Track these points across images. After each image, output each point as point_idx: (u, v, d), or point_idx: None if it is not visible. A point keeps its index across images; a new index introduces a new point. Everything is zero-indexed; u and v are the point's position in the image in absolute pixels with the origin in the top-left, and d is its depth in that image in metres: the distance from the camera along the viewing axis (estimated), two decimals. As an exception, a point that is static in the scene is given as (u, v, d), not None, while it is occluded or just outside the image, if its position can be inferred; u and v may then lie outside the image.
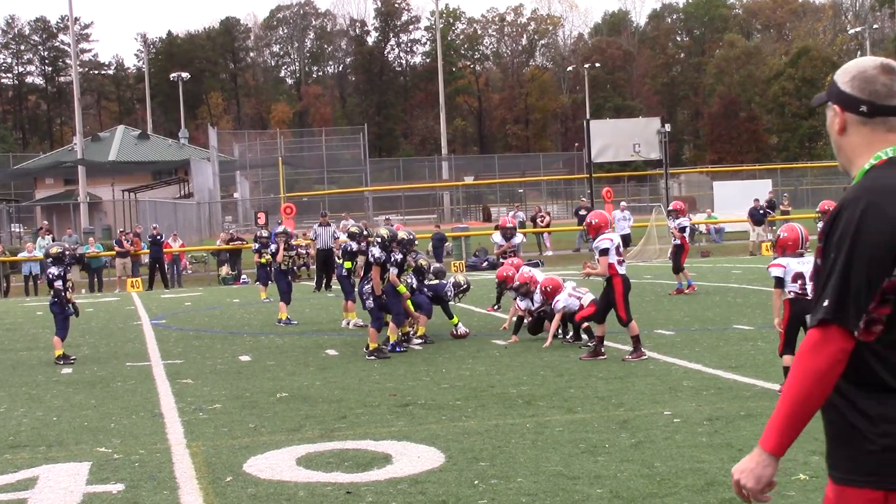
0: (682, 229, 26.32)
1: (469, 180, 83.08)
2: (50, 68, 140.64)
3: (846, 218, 3.40)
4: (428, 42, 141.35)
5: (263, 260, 26.76)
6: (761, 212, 43.18)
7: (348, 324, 21.52)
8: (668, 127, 45.16)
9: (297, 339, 19.83)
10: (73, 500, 8.61)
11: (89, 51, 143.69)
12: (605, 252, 15.05)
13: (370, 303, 17.04)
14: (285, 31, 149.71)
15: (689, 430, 10.06)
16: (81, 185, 67.24)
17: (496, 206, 76.47)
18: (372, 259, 16.97)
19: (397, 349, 17.13)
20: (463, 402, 12.23)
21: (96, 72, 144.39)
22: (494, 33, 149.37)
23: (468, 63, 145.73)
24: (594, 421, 10.79)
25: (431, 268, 19.07)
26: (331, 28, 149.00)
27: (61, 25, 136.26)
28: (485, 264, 40.13)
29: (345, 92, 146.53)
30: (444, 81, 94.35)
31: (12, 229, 63.92)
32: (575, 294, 17.37)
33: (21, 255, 41.25)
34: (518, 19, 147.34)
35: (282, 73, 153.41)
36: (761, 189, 51.09)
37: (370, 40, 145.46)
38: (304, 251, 36.30)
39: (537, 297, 17.87)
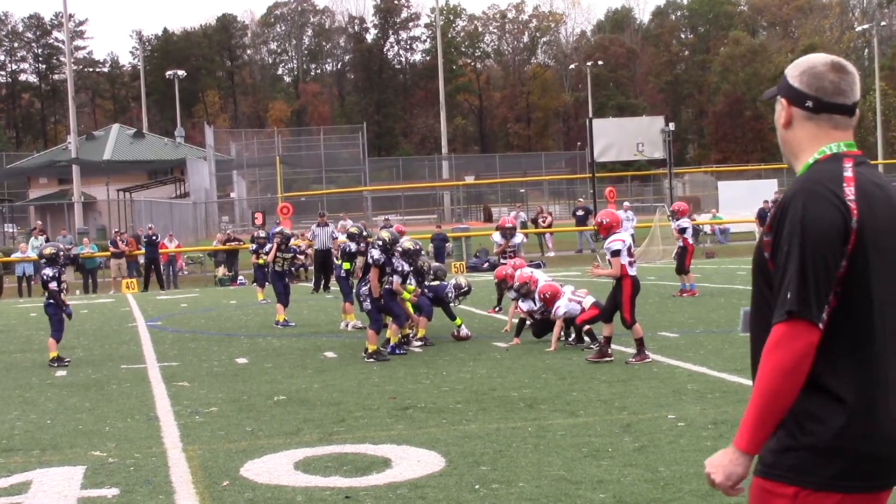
0: (682, 230, 26.31)
1: (470, 180, 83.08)
2: (44, 66, 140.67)
3: (793, 212, 3.47)
4: (428, 39, 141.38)
5: (261, 261, 26.75)
6: (767, 212, 43.14)
7: (347, 326, 21.53)
8: (672, 126, 45.21)
9: (294, 342, 19.83)
10: (68, 504, 8.61)
11: (84, 48, 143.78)
12: (616, 253, 15.00)
13: (367, 305, 17.05)
14: (283, 28, 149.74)
15: (694, 434, 10.06)
16: (76, 184, 67.23)
17: (497, 207, 76.43)
18: (371, 261, 16.97)
19: (397, 351, 17.13)
20: (464, 406, 12.23)
21: (91, 69, 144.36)
22: (495, 30, 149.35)
23: (469, 61, 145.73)
24: (597, 425, 10.79)
25: (432, 269, 19.05)
26: (329, 25, 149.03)
27: (55, 22, 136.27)
28: (486, 265, 40.13)
29: (343, 90, 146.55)
30: (444, 79, 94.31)
31: (5, 229, 63.97)
32: (575, 298, 17.35)
33: (14, 256, 41.24)
34: (519, 16, 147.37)
35: (279, 71, 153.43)
36: (767, 189, 51.06)
37: (369, 37, 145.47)
38: (301, 253, 36.25)
39: (538, 297, 17.85)
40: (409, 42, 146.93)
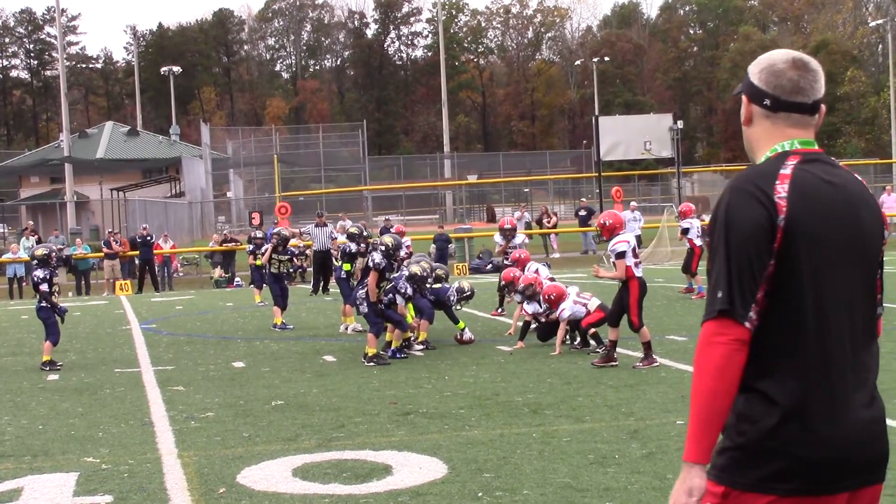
0: (685, 231, 26.34)
1: (472, 179, 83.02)
2: (35, 62, 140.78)
3: (720, 210, 3.55)
4: (430, 35, 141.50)
5: (258, 262, 26.75)
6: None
7: (346, 329, 21.52)
8: (680, 123, 45.13)
9: (293, 345, 19.83)
10: (60, 512, 8.61)
11: (76, 44, 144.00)
12: (622, 255, 14.97)
13: (364, 308, 17.06)
14: (281, 23, 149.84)
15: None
16: (68, 183, 67.28)
17: (501, 207, 76.45)
18: (371, 265, 16.97)
19: (398, 355, 17.13)
20: (466, 411, 12.23)
21: (84, 65, 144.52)
22: (499, 26, 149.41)
23: (472, 57, 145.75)
24: (604, 431, 10.78)
25: (433, 270, 19.03)
26: (328, 20, 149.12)
27: (47, 17, 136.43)
28: (489, 267, 40.10)
29: (343, 87, 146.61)
30: (446, 76, 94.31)
31: (-4, 230, 64.00)
32: (580, 300, 17.32)
33: (5, 257, 41.23)
34: (524, 11, 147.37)
35: (277, 67, 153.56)
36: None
37: (369, 33, 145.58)
38: (300, 254, 36.24)
39: (544, 300, 17.83)
40: (410, 37, 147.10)
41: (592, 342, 16.94)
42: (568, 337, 17.39)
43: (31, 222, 54.44)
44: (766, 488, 3.43)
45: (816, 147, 3.63)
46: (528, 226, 50.63)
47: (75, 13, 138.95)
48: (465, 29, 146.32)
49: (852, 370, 3.48)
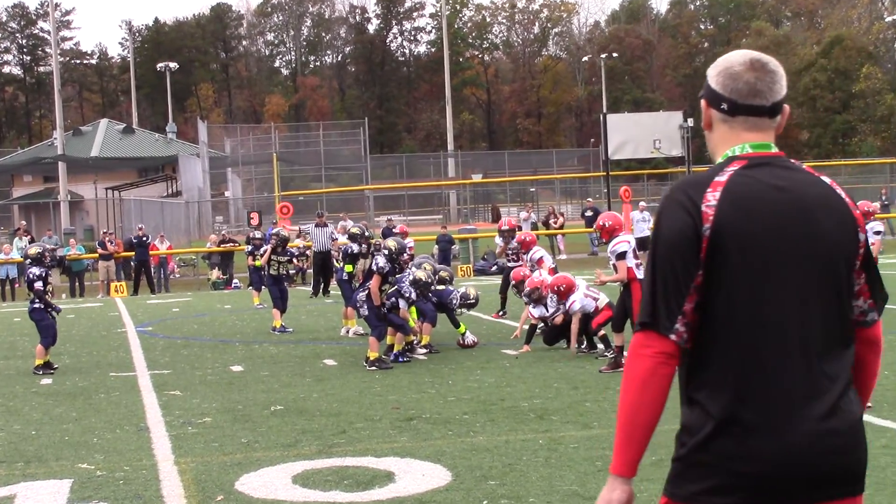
0: None
1: (477, 178, 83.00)
2: (28, 57, 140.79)
3: (657, 217, 3.57)
4: (433, 30, 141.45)
5: (257, 263, 26.75)
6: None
7: (348, 332, 21.53)
8: (690, 121, 45.06)
9: (292, 348, 19.84)
10: (53, 520, 8.62)
11: (70, 39, 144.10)
12: (622, 256, 14.95)
13: (364, 311, 17.07)
14: (280, 18, 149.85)
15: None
16: (62, 182, 67.32)
17: (506, 206, 76.35)
18: (375, 269, 17.00)
19: (400, 359, 17.15)
20: (471, 417, 12.23)
21: (78, 61, 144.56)
22: (504, 21, 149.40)
23: (476, 53, 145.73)
24: (612, 437, 10.73)
25: (437, 272, 19.03)
26: (329, 15, 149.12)
27: (41, 12, 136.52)
28: (493, 268, 40.10)
29: (344, 83, 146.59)
30: (450, 72, 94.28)
31: (-12, 230, 64.05)
32: (591, 293, 17.28)
33: (-3, 258, 41.27)
34: (530, 6, 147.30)
35: (276, 64, 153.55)
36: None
37: (371, 28, 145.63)
38: (300, 255, 36.23)
39: (550, 302, 17.82)
40: (413, 33, 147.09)
41: (600, 345, 16.93)
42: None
43: (24, 222, 54.42)
44: (703, 502, 3.44)
45: (773, 150, 3.59)
46: (534, 226, 50.58)
47: (69, 8, 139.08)
48: (469, 24, 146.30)
49: (804, 380, 3.41)
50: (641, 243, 26.74)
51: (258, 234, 28.25)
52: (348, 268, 21.07)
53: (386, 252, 17.23)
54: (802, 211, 3.47)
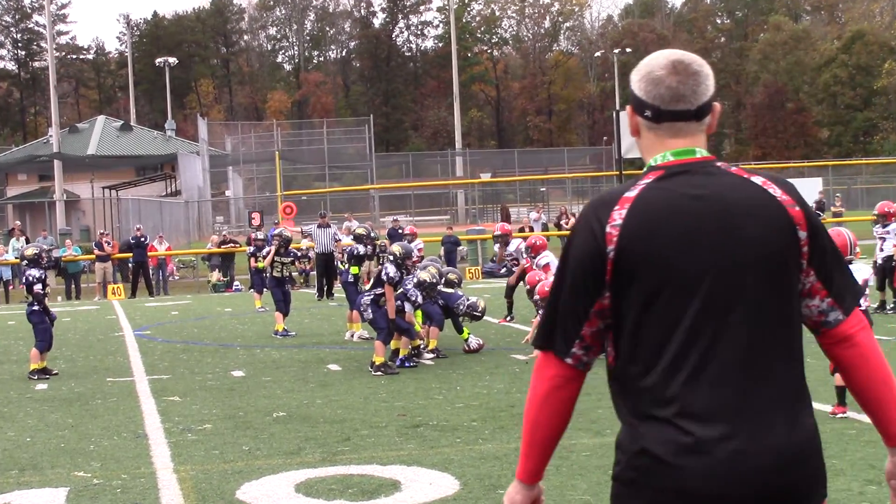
0: None
1: (486, 177, 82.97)
2: (23, 52, 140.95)
3: (567, 238, 3.60)
4: (441, 25, 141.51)
5: (259, 265, 26.75)
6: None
7: (352, 336, 21.52)
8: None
9: (295, 353, 19.85)
10: (49, 529, 8.63)
11: (67, 33, 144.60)
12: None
13: (369, 314, 17.06)
14: (283, 11, 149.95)
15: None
16: (57, 181, 67.34)
17: (516, 206, 76.31)
18: (386, 278, 17.00)
19: (407, 364, 17.15)
20: (479, 424, 12.23)
21: (74, 56, 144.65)
22: (514, 15, 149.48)
23: (485, 48, 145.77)
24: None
25: (444, 275, 19.00)
26: (333, 9, 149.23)
27: (36, 5, 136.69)
28: (503, 270, 40.07)
29: (348, 79, 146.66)
30: (458, 68, 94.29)
31: (-19, 230, 64.09)
32: None
33: (-8, 259, 41.31)
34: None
35: (279, 59, 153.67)
36: (811, 188, 50.89)
37: (377, 22, 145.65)
38: (303, 257, 36.21)
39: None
40: (419, 27, 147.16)
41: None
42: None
43: (18, 222, 54.57)
44: None
45: (699, 155, 3.54)
46: (545, 227, 50.60)
47: (65, 1, 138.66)
48: (478, 18, 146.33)
49: (732, 395, 3.34)
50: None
51: (260, 235, 28.23)
52: (354, 270, 21.07)
53: (391, 258, 17.24)
54: (722, 218, 3.41)
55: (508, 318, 23.32)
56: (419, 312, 18.18)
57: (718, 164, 3.53)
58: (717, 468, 3.30)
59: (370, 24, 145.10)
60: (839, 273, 3.57)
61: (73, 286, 40.90)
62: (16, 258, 35.82)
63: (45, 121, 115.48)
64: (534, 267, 20.40)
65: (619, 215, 3.43)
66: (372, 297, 17.02)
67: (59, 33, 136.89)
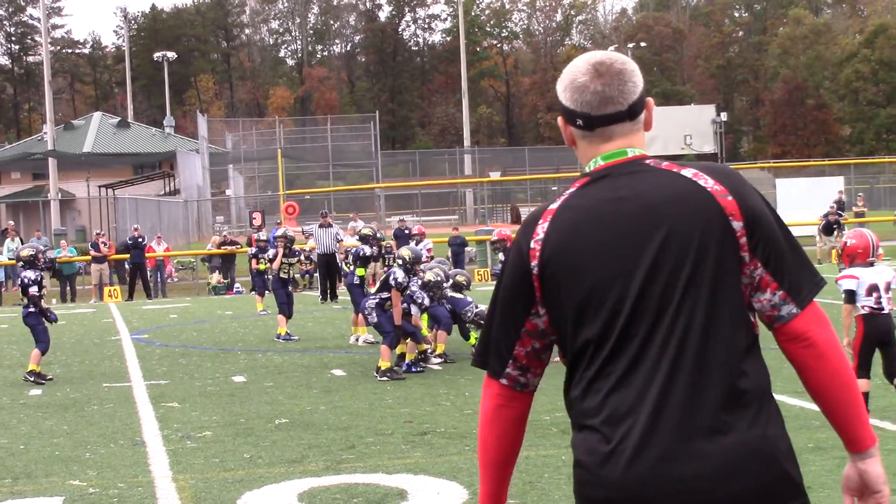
0: None
1: (495, 176, 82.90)
2: (17, 47, 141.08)
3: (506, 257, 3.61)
4: (448, 18, 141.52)
5: (261, 266, 26.74)
6: (833, 225, 42.45)
7: (357, 340, 21.54)
8: (724, 116, 45.16)
9: (298, 358, 19.85)
10: (43, 540, 8.64)
11: (62, 27, 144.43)
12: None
13: (374, 318, 17.05)
14: (285, 4, 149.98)
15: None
16: (52, 179, 67.43)
17: (526, 206, 76.22)
18: (394, 283, 16.98)
19: (413, 369, 17.15)
20: (489, 431, 12.20)
21: (70, 51, 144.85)
22: (525, 8, 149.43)
23: (495, 42, 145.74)
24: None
25: (451, 278, 18.97)
26: (337, 2, 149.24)
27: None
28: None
29: (353, 75, 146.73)
30: (466, 63, 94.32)
31: (-27, 230, 64.15)
32: None
33: (-14, 260, 41.36)
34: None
35: (281, 53, 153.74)
36: (832, 187, 50.84)
37: (382, 16, 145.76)
38: (307, 258, 36.24)
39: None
40: (427, 21, 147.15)
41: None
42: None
43: (12, 222, 54.52)
44: None
45: (630, 154, 3.52)
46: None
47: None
48: (487, 11, 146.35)
49: (662, 402, 3.28)
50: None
51: (263, 236, 28.21)
52: (360, 272, 21.05)
53: (401, 262, 17.23)
54: (643, 217, 3.37)
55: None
56: (425, 316, 18.17)
57: (648, 161, 3.50)
58: (640, 477, 3.25)
59: (376, 18, 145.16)
60: (793, 263, 3.42)
61: (68, 288, 40.95)
62: (10, 259, 35.87)
63: (40, 117, 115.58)
64: None
65: (541, 229, 3.45)
66: (378, 300, 17.01)
67: (54, 27, 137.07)
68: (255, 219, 48.64)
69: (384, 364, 16.65)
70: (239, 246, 42.31)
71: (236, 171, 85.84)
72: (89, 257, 40.61)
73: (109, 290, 39.36)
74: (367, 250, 20.93)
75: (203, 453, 11.63)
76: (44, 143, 76.11)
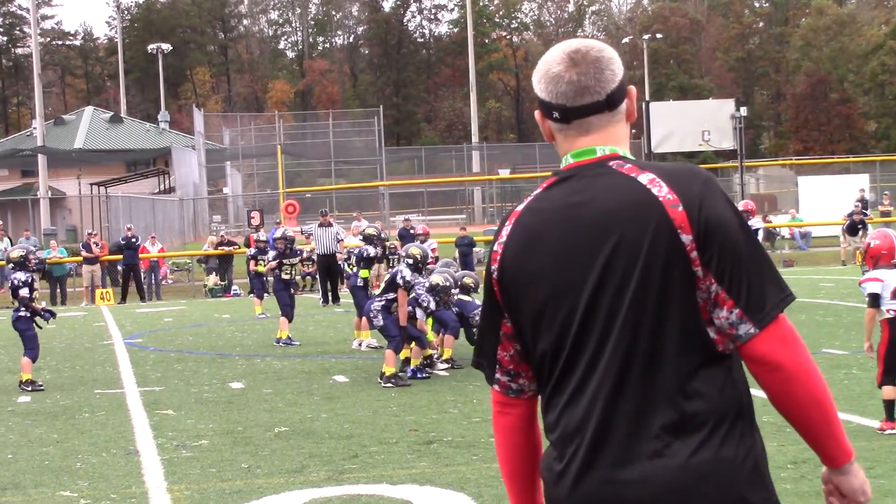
0: (754, 233, 26.13)
1: (504, 174, 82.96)
2: (4, 38, 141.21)
3: None
4: (456, 8, 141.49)
5: (259, 268, 26.73)
6: (858, 225, 42.47)
7: (360, 344, 21.53)
8: (743, 111, 45.06)
9: (298, 363, 19.86)
10: (33, 553, 8.65)
11: (51, 17, 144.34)
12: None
13: (379, 321, 17.04)
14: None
15: (772, 475, 9.96)
16: (42, 177, 67.51)
17: (537, 205, 76.23)
18: (402, 282, 16.97)
19: (419, 375, 17.15)
20: (497, 440, 12.20)
21: (60, 43, 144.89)
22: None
23: (504, 34, 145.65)
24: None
25: (458, 281, 18.95)
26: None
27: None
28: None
29: (356, 68, 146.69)
30: (474, 55, 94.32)
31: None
32: None
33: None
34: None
35: (281, 45, 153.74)
36: (856, 185, 50.79)
37: (387, 6, 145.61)
38: (308, 259, 36.23)
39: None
40: (433, 11, 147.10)
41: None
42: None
43: (0, 221, 54.61)
44: None
45: (598, 154, 3.43)
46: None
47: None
48: (496, 1, 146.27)
49: (607, 421, 3.25)
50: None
51: (262, 237, 28.18)
52: (364, 273, 21.02)
53: (410, 262, 17.21)
54: (594, 226, 3.31)
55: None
56: (430, 320, 18.16)
57: (612, 163, 3.40)
58: (585, 498, 3.26)
59: (379, 8, 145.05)
60: (754, 278, 3.29)
61: (58, 291, 40.98)
62: (0, 260, 35.89)
63: (29, 112, 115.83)
64: None
65: (505, 232, 3.45)
66: (383, 302, 17.00)
67: (44, 17, 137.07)
68: (253, 218, 48.68)
69: (388, 370, 16.65)
70: (237, 246, 42.33)
71: (234, 168, 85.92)
72: (80, 258, 40.65)
73: (101, 293, 39.39)
74: (371, 251, 20.92)
75: (199, 463, 11.64)
76: (33, 139, 76.19)
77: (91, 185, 78.66)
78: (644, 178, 3.32)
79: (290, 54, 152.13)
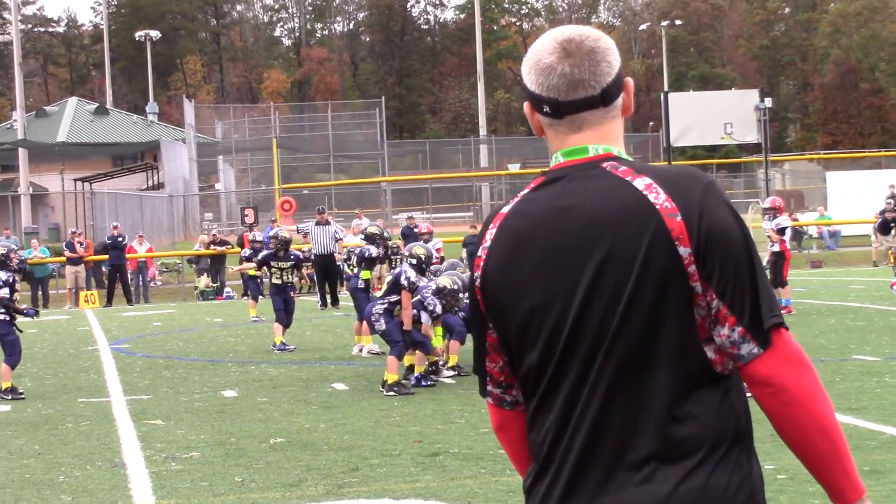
0: (781, 231, 26.12)
1: (514, 169, 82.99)
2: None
3: None
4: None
5: (251, 272, 26.74)
6: (891, 223, 42.38)
7: (361, 350, 21.53)
8: (768, 102, 45.02)
9: (295, 370, 19.87)
10: (13, 572, 8.65)
11: (33, 3, 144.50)
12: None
13: (381, 325, 17.03)
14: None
15: (798, 490, 9.99)
16: (23, 172, 67.59)
17: (548, 202, 76.22)
18: (406, 283, 16.96)
19: (423, 383, 17.14)
20: (507, 452, 12.21)
21: (42, 30, 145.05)
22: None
23: (513, 20, 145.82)
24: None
25: (465, 283, 18.97)
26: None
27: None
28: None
29: (357, 56, 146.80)
30: (482, 43, 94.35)
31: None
32: None
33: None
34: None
35: (277, 32, 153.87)
36: (886, 180, 50.72)
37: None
38: (306, 260, 36.23)
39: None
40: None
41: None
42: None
43: (-22, 220, 54.70)
44: None
45: (591, 153, 3.37)
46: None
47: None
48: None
49: (589, 445, 3.21)
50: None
51: (258, 236, 28.18)
52: (365, 274, 21.02)
53: (414, 262, 17.21)
54: (586, 232, 3.25)
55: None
56: (439, 328, 18.16)
57: (606, 164, 3.33)
58: None
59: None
60: (758, 296, 3.20)
61: (40, 293, 40.98)
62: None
63: (9, 103, 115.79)
64: None
65: (490, 236, 3.41)
66: (385, 305, 16.99)
67: (25, 3, 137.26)
68: (247, 216, 48.65)
69: (391, 377, 16.65)
70: (229, 246, 42.38)
71: (227, 163, 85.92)
72: (64, 258, 40.69)
73: (86, 295, 39.42)
74: (373, 251, 20.92)
75: (189, 476, 11.64)
76: (13, 132, 76.30)
77: (75, 180, 78.73)
78: (640, 182, 3.24)
79: (287, 42, 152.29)
